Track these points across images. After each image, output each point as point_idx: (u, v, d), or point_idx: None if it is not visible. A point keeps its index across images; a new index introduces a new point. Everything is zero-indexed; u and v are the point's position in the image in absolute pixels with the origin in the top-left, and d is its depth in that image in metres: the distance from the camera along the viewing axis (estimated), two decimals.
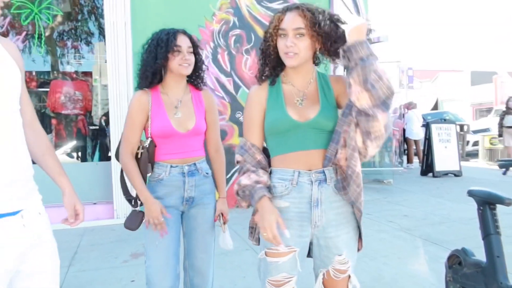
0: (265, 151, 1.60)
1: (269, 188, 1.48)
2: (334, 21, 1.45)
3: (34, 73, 6.31)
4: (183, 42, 1.85)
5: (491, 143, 11.36)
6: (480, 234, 2.20)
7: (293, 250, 1.47)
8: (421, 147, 9.68)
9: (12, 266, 1.21)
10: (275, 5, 5.56)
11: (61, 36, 6.38)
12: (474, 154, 12.26)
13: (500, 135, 8.65)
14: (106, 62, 5.13)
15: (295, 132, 1.48)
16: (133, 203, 1.93)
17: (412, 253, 3.62)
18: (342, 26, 1.42)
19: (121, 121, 4.65)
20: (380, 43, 7.97)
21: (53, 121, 6.25)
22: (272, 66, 1.57)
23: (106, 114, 5.55)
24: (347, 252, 1.50)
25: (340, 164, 1.45)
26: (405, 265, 3.33)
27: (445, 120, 9.74)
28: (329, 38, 1.44)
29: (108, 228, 4.64)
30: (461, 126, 11.65)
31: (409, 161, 10.32)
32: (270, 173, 1.55)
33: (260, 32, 5.41)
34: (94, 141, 6.14)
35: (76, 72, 6.31)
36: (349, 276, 1.53)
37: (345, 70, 1.43)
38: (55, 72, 6.27)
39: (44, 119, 6.25)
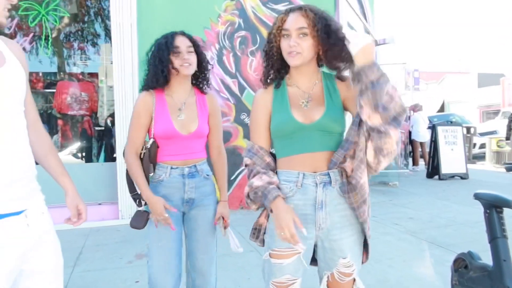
0: (273, 154, 1.60)
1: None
2: (333, 31, 1.45)
3: (40, 74, 6.37)
4: (181, 42, 1.87)
5: (498, 146, 11.27)
6: (487, 237, 2.19)
7: (297, 252, 1.46)
8: (427, 149, 9.62)
9: (16, 265, 1.21)
10: (280, 7, 5.56)
11: (67, 38, 6.43)
12: (481, 157, 12.17)
13: (508, 138, 8.57)
14: (112, 63, 5.16)
15: (301, 134, 1.48)
16: (137, 202, 1.95)
17: (417, 256, 3.59)
18: (348, 46, 1.39)
19: (127, 122, 4.65)
20: (386, 45, 7.94)
21: (59, 122, 6.29)
22: (276, 68, 1.57)
23: (112, 115, 5.57)
24: (352, 255, 1.49)
25: (346, 170, 1.45)
26: (411, 268, 3.31)
27: (451, 122, 9.67)
28: (324, 43, 1.44)
29: (113, 228, 4.66)
30: (468, 129, 11.56)
31: (415, 163, 10.26)
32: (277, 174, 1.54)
33: (265, 34, 5.40)
34: (100, 142, 6.17)
35: (82, 73, 6.36)
36: (354, 280, 1.52)
37: (353, 82, 1.41)
38: (61, 73, 6.31)
39: (50, 120, 6.30)
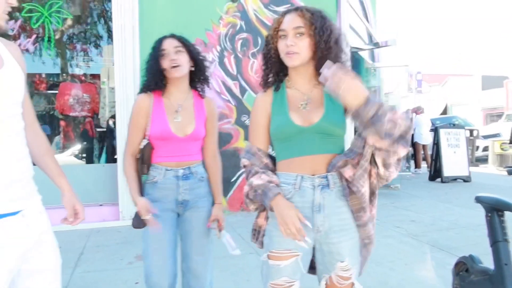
0: (271, 156, 1.59)
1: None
2: (331, 32, 1.45)
3: (43, 75, 6.40)
4: (168, 44, 1.89)
5: (501, 149, 11.22)
6: (488, 241, 2.17)
7: (295, 254, 1.46)
8: (429, 152, 9.59)
9: (14, 265, 1.22)
10: (282, 9, 5.52)
11: (70, 39, 6.46)
12: (484, 160, 12.12)
13: (511, 141, 8.54)
14: (114, 64, 5.17)
15: (299, 137, 1.47)
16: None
17: (419, 259, 3.58)
18: (327, 85, 1.32)
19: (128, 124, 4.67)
20: (388, 47, 7.93)
21: (61, 123, 6.32)
22: (275, 71, 1.56)
23: (114, 117, 5.58)
24: (350, 259, 1.48)
25: (344, 175, 1.43)
26: (412, 271, 3.29)
27: (454, 125, 9.64)
28: (321, 42, 1.44)
29: (114, 229, 4.66)
30: (471, 131, 11.52)
31: (417, 166, 10.23)
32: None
33: None
34: (101, 143, 6.19)
35: (84, 74, 6.38)
36: (353, 284, 1.50)
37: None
38: (64, 74, 6.34)
39: (52, 121, 6.32)
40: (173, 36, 1.93)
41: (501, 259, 2.09)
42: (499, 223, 2.15)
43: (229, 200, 5.37)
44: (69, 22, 6.00)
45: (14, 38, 5.44)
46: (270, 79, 1.58)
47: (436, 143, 8.62)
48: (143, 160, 1.92)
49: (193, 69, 1.96)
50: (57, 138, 6.47)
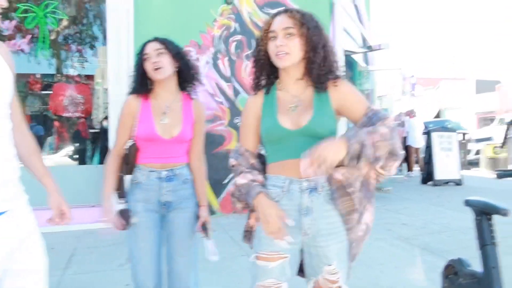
0: (260, 157, 1.60)
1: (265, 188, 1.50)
2: (321, 34, 1.47)
3: (38, 76, 6.36)
4: (150, 48, 1.93)
5: (493, 152, 11.31)
6: (477, 244, 2.19)
7: (283, 256, 1.46)
8: (422, 155, 9.65)
9: (1, 264, 1.22)
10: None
11: (65, 40, 6.44)
12: (476, 163, 12.21)
13: (503, 145, 8.61)
14: (108, 65, 5.16)
15: (288, 140, 1.47)
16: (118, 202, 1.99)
17: (409, 262, 3.59)
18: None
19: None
20: (382, 50, 7.98)
21: (55, 124, 6.29)
22: (266, 73, 1.57)
23: (107, 118, 5.57)
24: (337, 263, 1.48)
25: (335, 177, 1.44)
26: (402, 274, 3.31)
27: (447, 128, 9.71)
28: (313, 42, 1.45)
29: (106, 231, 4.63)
30: (463, 135, 11.62)
31: (410, 169, 10.29)
32: (265, 179, 1.55)
33: None
34: (94, 144, 6.17)
35: (79, 75, 6.36)
36: (340, 287, 1.51)
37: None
38: (58, 75, 6.32)
39: (46, 121, 6.29)
40: (156, 39, 1.96)
41: (489, 262, 2.10)
42: (488, 226, 2.17)
43: (221, 202, 5.37)
44: (64, 22, 5.98)
45: (9, 38, 5.42)
46: (261, 82, 1.58)
47: (429, 147, 8.68)
48: (127, 161, 1.95)
49: (177, 69, 1.98)
50: (50, 139, 6.44)
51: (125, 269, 3.38)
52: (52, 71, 6.34)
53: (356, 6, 8.05)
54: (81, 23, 6.53)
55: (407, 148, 10.27)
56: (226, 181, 5.41)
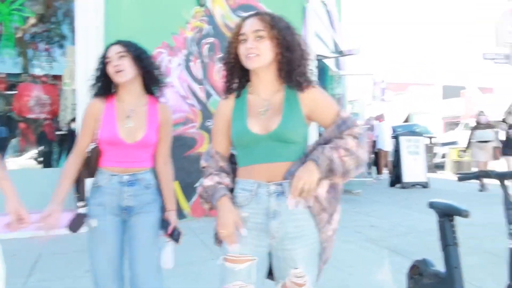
0: (233, 157, 1.61)
1: (231, 192, 1.53)
2: (291, 34, 1.49)
3: (2, 75, 6.14)
4: (111, 51, 1.92)
5: (458, 156, 11.73)
6: (440, 245, 2.26)
7: (251, 259, 1.47)
8: (390, 159, 9.89)
9: None
10: None
11: (32, 38, 6.25)
12: (443, 166, 12.62)
13: (466, 149, 8.93)
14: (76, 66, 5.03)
15: (257, 145, 1.48)
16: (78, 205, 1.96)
17: (377, 264, 3.66)
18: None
19: None
20: (352, 55, 8.14)
21: (20, 125, 6.08)
22: (237, 77, 1.57)
23: (75, 119, 5.43)
24: (304, 266, 1.49)
25: (318, 194, 1.47)
26: (371, 275, 3.37)
27: (414, 132, 9.99)
28: (284, 44, 1.47)
29: (73, 236, 4.48)
30: (430, 139, 11.99)
31: (379, 172, 10.52)
32: (236, 183, 1.56)
33: None
34: (61, 147, 6.00)
35: (46, 75, 6.18)
36: None
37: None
38: (24, 74, 6.12)
39: (10, 123, 6.06)
40: (118, 42, 1.95)
41: (451, 262, 2.17)
42: (450, 227, 2.24)
43: (192, 206, 5.32)
44: (31, 20, 5.81)
45: None
46: (232, 85, 1.58)
47: (397, 150, 8.90)
48: (88, 164, 1.93)
49: (141, 72, 1.96)
50: (14, 141, 6.22)
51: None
52: (17, 70, 6.14)
53: (328, 12, 8.18)
54: (49, 21, 6.36)
55: (377, 151, 10.51)
56: (197, 184, 5.36)
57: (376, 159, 10.63)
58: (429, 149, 11.37)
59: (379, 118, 10.93)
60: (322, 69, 7.89)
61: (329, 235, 1.54)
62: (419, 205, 6.50)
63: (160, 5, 5.26)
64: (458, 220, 2.22)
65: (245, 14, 1.58)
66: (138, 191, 1.93)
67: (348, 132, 1.48)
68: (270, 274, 1.60)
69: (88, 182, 1.97)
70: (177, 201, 5.13)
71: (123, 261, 1.97)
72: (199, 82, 5.49)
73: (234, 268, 1.47)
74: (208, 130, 5.42)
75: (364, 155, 1.48)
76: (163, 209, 2.03)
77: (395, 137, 9.25)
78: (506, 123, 7.49)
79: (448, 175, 11.32)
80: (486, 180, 7.48)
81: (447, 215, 2.25)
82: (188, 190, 5.18)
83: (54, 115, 5.88)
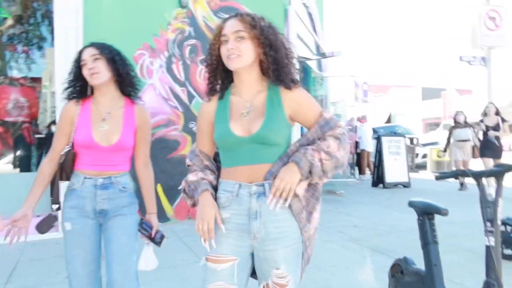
0: (217, 156, 1.61)
1: (215, 189, 1.53)
2: (273, 33, 1.49)
3: None
4: (86, 54, 1.91)
5: (438, 156, 11.96)
6: (420, 243, 2.29)
7: (233, 259, 1.47)
8: (372, 159, 10.02)
9: None
10: None
11: (10, 40, 6.12)
12: (423, 166, 12.84)
13: (445, 148, 9.10)
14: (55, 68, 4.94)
15: (239, 147, 1.48)
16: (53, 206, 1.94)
17: (360, 263, 3.70)
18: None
19: None
20: (335, 57, 8.21)
21: None
22: (220, 78, 1.56)
23: (54, 122, 5.33)
24: (286, 267, 1.49)
25: (297, 193, 1.47)
26: (353, 275, 3.40)
27: (395, 133, 10.14)
28: (267, 43, 1.47)
29: (52, 241, 4.39)
30: (411, 139, 12.20)
31: (362, 172, 10.63)
32: (219, 184, 1.56)
33: None
34: (40, 150, 5.88)
35: (25, 77, 6.05)
36: None
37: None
38: (1, 77, 5.99)
39: None
40: (92, 45, 1.94)
41: (431, 260, 2.21)
42: (430, 226, 2.28)
43: (175, 209, 5.28)
44: (8, 21, 5.69)
45: None
46: (215, 87, 1.58)
47: (379, 151, 9.02)
48: (64, 167, 1.90)
49: (115, 74, 1.94)
50: None
51: None
52: None
53: (310, 14, 8.25)
54: (27, 22, 6.23)
55: (360, 152, 10.63)
56: (180, 187, 5.33)
57: (359, 159, 10.74)
58: (411, 149, 11.55)
59: (362, 119, 11.06)
60: (305, 71, 7.95)
61: (311, 234, 1.55)
62: (401, 204, 6.58)
63: (141, 6, 5.21)
64: (438, 218, 2.27)
65: (226, 16, 1.58)
66: (113, 194, 1.91)
67: (331, 133, 1.49)
68: (254, 273, 1.60)
69: (63, 185, 1.95)
70: (161, 203, 5.12)
71: (100, 265, 1.95)
72: (181, 84, 5.45)
73: (216, 268, 1.47)
74: (191, 132, 5.39)
75: (345, 157, 1.50)
76: (144, 212, 2.01)
77: (377, 138, 9.37)
78: (484, 124, 7.66)
79: (429, 175, 11.53)
80: (466, 180, 7.64)
81: (426, 214, 2.29)
82: (171, 193, 5.14)
83: (33, 118, 5.77)
